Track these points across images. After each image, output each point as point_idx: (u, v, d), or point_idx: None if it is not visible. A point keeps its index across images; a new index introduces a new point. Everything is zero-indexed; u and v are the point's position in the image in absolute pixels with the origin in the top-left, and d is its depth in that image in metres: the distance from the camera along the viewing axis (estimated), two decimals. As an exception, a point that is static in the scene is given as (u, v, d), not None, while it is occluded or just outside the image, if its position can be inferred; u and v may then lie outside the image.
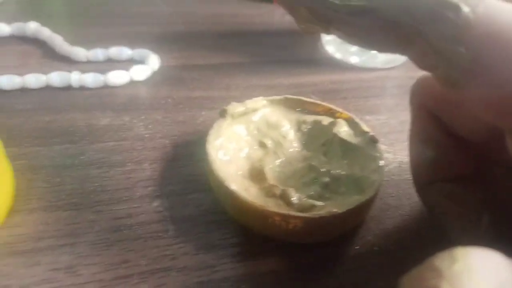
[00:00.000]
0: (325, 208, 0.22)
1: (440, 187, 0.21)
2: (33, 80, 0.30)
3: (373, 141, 0.26)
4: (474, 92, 0.15)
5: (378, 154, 0.25)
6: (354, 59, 0.39)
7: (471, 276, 0.11)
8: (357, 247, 0.23)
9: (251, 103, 0.27)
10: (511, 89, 0.14)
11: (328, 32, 0.18)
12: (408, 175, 0.26)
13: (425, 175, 0.22)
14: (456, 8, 0.14)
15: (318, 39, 0.42)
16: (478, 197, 0.20)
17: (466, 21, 0.14)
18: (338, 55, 0.40)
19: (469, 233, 0.20)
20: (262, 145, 0.26)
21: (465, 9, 0.14)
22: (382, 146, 0.25)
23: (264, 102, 0.28)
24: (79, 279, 0.19)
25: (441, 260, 0.11)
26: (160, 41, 0.38)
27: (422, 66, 0.17)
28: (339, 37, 0.18)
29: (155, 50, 0.36)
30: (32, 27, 0.36)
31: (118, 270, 0.20)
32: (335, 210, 0.21)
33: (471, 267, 0.11)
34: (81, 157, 0.26)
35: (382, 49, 0.18)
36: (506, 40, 0.14)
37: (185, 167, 0.26)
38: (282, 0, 0.19)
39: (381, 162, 0.24)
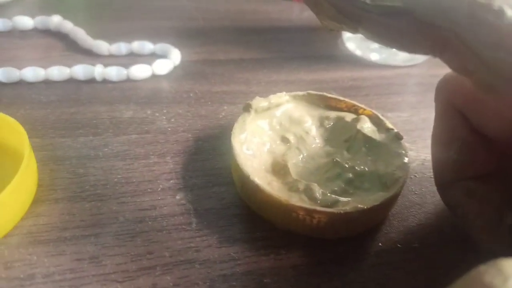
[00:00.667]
0: (349, 203, 0.22)
1: (462, 185, 0.21)
2: (57, 72, 0.31)
3: (397, 137, 0.25)
4: None
5: (402, 151, 0.25)
6: (374, 56, 0.39)
7: None
8: (380, 244, 0.22)
9: (275, 98, 0.27)
10: None
11: (355, 31, 0.18)
12: (431, 173, 0.25)
13: (448, 173, 0.22)
14: (499, 12, 0.14)
15: (339, 36, 0.42)
16: (501, 196, 0.20)
17: (509, 25, 0.14)
18: (358, 52, 0.40)
19: (491, 233, 0.19)
20: (285, 140, 0.26)
21: (509, 12, 0.14)
22: (406, 144, 0.25)
23: (287, 97, 0.28)
24: (104, 270, 0.20)
25: (491, 276, 0.11)
26: (182, 36, 0.38)
27: (458, 70, 0.16)
28: (368, 37, 0.18)
29: (177, 45, 0.36)
30: (55, 20, 0.37)
31: (142, 261, 0.20)
32: (360, 205, 0.21)
33: None
34: (105, 149, 0.26)
35: (414, 50, 0.17)
36: None
37: (207, 160, 0.26)
38: None
39: (406, 159, 0.24)
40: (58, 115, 0.28)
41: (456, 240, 0.23)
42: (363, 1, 0.16)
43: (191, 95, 0.32)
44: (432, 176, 0.23)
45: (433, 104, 0.23)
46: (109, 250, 0.20)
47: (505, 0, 0.14)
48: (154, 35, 0.37)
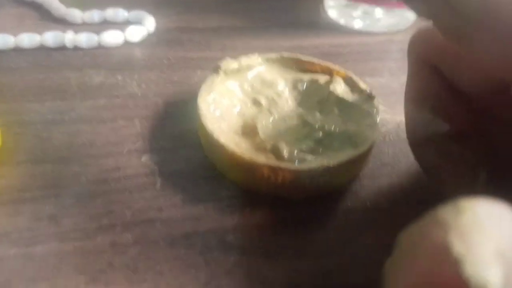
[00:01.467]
0: (316, 162, 0.21)
1: (437, 144, 0.20)
2: (27, 40, 0.30)
3: (370, 97, 0.25)
4: (482, 45, 0.14)
5: (374, 110, 0.24)
6: (357, 24, 0.38)
7: (481, 227, 0.10)
8: (349, 204, 0.22)
9: (246, 60, 0.26)
10: None
11: None
12: (405, 135, 0.25)
13: (421, 131, 0.21)
14: None
15: (321, 3, 0.41)
16: (476, 154, 0.19)
17: None
18: (341, 21, 0.39)
19: (465, 192, 0.19)
20: (256, 103, 0.26)
21: None
22: (380, 107, 0.25)
23: (259, 59, 0.27)
24: (61, 228, 0.19)
25: (446, 212, 0.11)
26: (158, 3, 0.38)
27: (424, 15, 0.16)
28: None
29: (154, 13, 0.35)
30: (29, -11, 0.36)
31: (102, 220, 0.20)
32: (326, 163, 0.20)
33: (479, 218, 0.10)
34: (71, 113, 0.25)
35: None
36: None
37: (176, 124, 0.25)
38: None
39: (377, 118, 0.24)
40: (26, 82, 0.28)
41: (427, 200, 0.22)
42: None
43: (165, 61, 0.31)
44: (406, 139, 0.22)
45: None
46: (69, 210, 0.20)
47: None
48: (128, 3, 0.36)
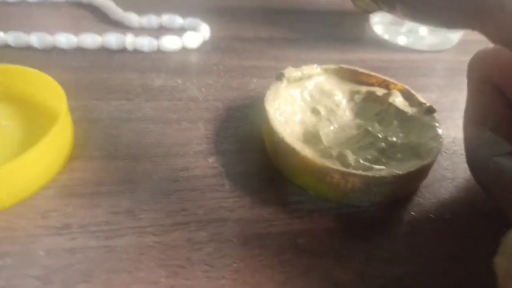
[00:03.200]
0: (386, 170, 0.21)
1: (498, 161, 0.20)
2: (89, 40, 0.31)
3: (430, 111, 0.25)
4: None
5: (436, 123, 0.24)
6: (402, 40, 0.39)
7: None
8: (413, 213, 0.22)
9: (307, 69, 0.27)
10: None
11: (392, 10, 0.18)
12: (462, 150, 0.25)
13: (482, 150, 0.21)
14: None
15: (366, 19, 0.42)
16: None
17: None
18: (386, 36, 0.39)
19: None
20: (315, 111, 0.26)
21: None
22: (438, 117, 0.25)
23: (319, 70, 0.28)
24: (139, 223, 0.20)
25: None
26: (210, 13, 0.38)
27: (499, 41, 0.16)
28: (406, 14, 0.18)
29: (205, 20, 0.36)
30: (86, -7, 0.37)
31: (177, 217, 0.20)
32: (396, 171, 0.21)
33: None
34: (137, 113, 0.26)
35: (453, 25, 0.17)
36: None
37: (239, 128, 0.26)
38: None
39: (439, 131, 0.24)
40: (90, 80, 0.28)
41: (487, 214, 0.23)
42: None
43: (221, 67, 0.32)
44: (463, 153, 0.23)
45: (462, 87, 0.22)
46: (145, 205, 0.21)
47: None
48: (182, 11, 0.37)
